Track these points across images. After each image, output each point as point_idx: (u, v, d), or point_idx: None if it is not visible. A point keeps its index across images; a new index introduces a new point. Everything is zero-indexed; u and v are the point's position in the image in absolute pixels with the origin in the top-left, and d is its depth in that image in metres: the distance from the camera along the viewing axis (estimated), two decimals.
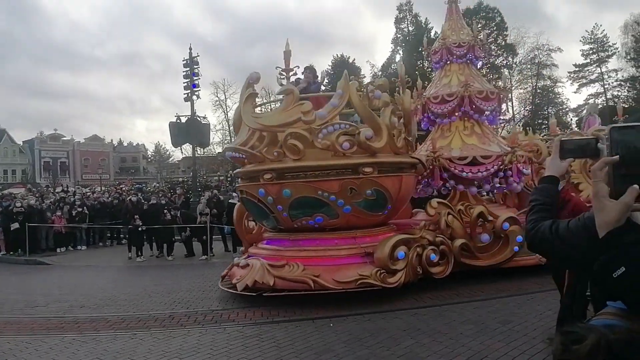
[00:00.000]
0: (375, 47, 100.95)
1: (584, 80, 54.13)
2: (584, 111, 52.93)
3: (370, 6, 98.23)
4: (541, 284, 8.62)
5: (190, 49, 25.29)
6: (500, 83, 12.59)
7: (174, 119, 25.09)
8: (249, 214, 10.25)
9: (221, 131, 56.05)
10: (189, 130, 24.69)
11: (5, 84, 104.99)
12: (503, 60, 53.58)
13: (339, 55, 55.61)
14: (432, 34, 53.71)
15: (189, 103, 25.06)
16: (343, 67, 11.37)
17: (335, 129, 8.36)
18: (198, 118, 26.07)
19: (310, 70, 10.05)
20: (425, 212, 9.78)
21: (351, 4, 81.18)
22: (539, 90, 53.65)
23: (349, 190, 8.39)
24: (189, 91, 25.02)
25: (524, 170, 10.81)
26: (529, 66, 53.57)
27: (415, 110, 11.89)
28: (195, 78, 24.94)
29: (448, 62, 11.63)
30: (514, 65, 53.74)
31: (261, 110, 10.34)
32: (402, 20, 55.28)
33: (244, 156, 9.01)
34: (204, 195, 19.02)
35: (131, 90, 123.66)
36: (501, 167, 10.49)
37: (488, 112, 11.29)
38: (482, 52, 11.70)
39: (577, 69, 54.16)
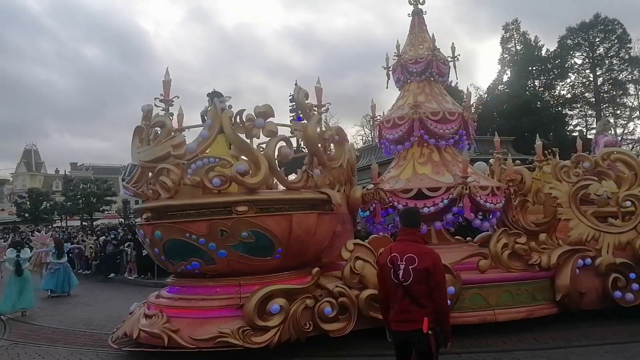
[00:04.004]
0: (474, 69, 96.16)
1: None
2: None
3: (464, 27, 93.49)
4: None
5: (296, 83, 25.85)
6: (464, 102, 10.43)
7: None
8: None
9: None
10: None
11: (130, 122, 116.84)
12: (627, 75, 47.77)
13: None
14: (544, 51, 49.86)
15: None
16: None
17: (205, 163, 7.36)
18: (303, 149, 26.52)
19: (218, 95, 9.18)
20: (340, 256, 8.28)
21: (443, 25, 76.64)
22: None
23: (220, 233, 7.27)
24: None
25: (488, 204, 8.88)
26: None
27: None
28: (300, 112, 25.50)
29: (408, 80, 10.09)
30: None
31: None
32: (509, 39, 51.77)
33: (131, 193, 8.36)
34: None
35: None
36: (455, 201, 8.73)
37: (452, 136, 9.58)
38: (446, 67, 9.97)
39: None
